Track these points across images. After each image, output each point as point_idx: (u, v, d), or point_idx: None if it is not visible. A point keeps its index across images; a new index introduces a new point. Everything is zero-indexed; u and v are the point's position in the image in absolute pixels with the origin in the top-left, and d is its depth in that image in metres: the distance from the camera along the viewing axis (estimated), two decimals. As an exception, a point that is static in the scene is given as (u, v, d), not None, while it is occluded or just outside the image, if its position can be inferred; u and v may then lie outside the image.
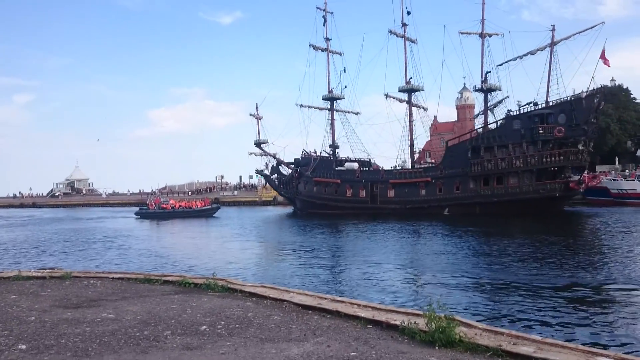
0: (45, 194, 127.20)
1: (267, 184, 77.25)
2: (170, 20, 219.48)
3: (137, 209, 64.08)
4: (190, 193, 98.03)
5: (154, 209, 60.69)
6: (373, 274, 19.04)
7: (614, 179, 55.60)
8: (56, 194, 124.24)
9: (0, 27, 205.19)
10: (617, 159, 77.11)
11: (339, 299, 8.50)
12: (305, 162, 62.72)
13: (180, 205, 61.65)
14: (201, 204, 62.20)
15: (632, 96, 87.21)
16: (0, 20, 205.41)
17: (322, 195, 59.00)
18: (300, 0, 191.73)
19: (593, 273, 17.84)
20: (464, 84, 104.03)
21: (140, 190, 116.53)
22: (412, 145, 58.97)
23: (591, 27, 47.85)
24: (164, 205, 61.09)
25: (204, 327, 6.96)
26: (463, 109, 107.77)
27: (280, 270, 20.73)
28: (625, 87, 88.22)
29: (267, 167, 67.79)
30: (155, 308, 8.16)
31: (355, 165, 60.69)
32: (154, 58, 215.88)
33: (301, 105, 63.69)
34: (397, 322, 6.62)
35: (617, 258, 20.75)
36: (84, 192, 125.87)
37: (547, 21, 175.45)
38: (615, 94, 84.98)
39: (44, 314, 7.89)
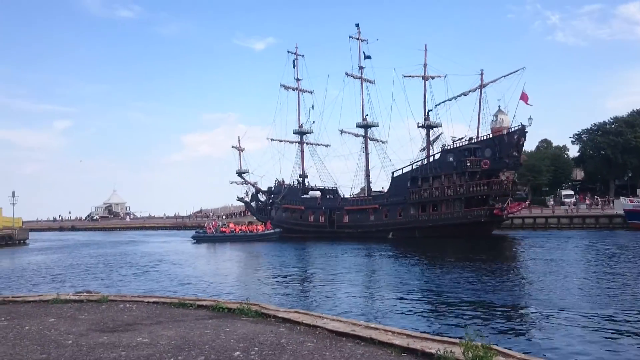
0: (84, 218, 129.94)
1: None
2: (204, 47, 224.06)
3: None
4: (224, 217, 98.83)
5: (213, 232, 59.98)
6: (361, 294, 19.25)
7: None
8: (95, 218, 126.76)
9: (41, 56, 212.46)
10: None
11: (372, 325, 8.38)
12: (277, 190, 69.11)
13: (240, 229, 60.45)
14: (262, 228, 60.37)
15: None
16: (41, 50, 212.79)
17: (289, 220, 65.04)
18: (328, 28, 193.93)
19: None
20: (499, 107, 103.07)
21: (175, 214, 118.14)
22: (368, 175, 64.94)
23: (514, 72, 53.49)
24: (223, 229, 60.44)
25: (237, 352, 6.94)
26: (499, 131, 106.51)
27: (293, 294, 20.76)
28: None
29: (247, 195, 73.84)
30: (190, 333, 8.19)
31: (318, 193, 66.23)
32: (188, 84, 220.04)
33: (272, 140, 70.28)
34: (433, 351, 6.48)
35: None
36: (121, 215, 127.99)
37: (583, 42, 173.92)
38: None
39: (81, 337, 7.99)
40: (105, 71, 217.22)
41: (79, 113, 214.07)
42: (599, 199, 70.98)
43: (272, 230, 59.88)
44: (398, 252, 38.17)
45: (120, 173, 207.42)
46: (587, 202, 69.08)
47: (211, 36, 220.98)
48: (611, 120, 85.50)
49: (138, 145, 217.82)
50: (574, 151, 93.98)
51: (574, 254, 32.56)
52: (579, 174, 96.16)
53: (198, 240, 59.01)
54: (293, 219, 64.43)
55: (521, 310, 16.40)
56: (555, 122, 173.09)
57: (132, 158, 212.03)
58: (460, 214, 52.43)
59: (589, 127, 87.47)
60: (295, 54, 70.26)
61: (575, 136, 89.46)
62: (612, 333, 13.13)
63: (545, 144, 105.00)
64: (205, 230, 62.47)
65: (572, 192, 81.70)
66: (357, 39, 64.72)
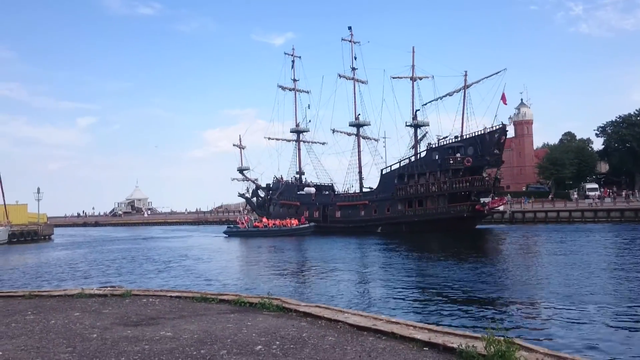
0: (107, 213, 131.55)
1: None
2: (223, 43, 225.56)
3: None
4: (246, 212, 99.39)
5: (246, 227, 60.27)
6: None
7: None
8: (118, 213, 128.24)
9: (65, 54, 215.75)
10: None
11: (394, 320, 8.35)
12: (275, 187, 72.33)
13: (274, 224, 60.46)
14: (296, 223, 60.08)
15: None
16: (62, 48, 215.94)
17: (286, 216, 65.84)
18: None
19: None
20: (521, 100, 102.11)
21: (197, 209, 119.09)
22: (360, 172, 67.75)
23: (496, 73, 56.74)
24: (257, 224, 60.83)
25: (259, 346, 6.97)
26: (521, 124, 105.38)
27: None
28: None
29: (248, 191, 76.71)
30: (212, 327, 8.25)
31: (313, 189, 69.28)
32: (208, 80, 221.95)
33: (269, 138, 73.38)
34: (455, 345, 6.44)
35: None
36: (143, 210, 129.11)
37: (607, 33, 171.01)
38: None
39: (105, 331, 8.10)
40: (126, 68, 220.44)
41: (102, 110, 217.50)
42: (616, 194, 69.91)
43: (307, 225, 59.75)
44: (396, 246, 39.14)
45: (143, 169, 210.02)
46: (607, 197, 68.10)
47: (230, 32, 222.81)
48: (637, 112, 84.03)
49: (160, 141, 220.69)
50: (598, 144, 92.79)
51: (592, 248, 32.07)
52: (603, 167, 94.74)
53: (230, 235, 59.33)
54: (289, 214, 65.64)
55: (542, 305, 16.21)
56: (579, 114, 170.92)
57: (154, 154, 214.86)
58: (444, 209, 54.75)
59: (613, 120, 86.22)
60: (292, 55, 72.58)
61: (600, 129, 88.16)
62: (636, 328, 12.93)
63: (568, 136, 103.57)
64: (237, 224, 62.87)
65: (596, 186, 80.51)
66: (350, 41, 67.29)
